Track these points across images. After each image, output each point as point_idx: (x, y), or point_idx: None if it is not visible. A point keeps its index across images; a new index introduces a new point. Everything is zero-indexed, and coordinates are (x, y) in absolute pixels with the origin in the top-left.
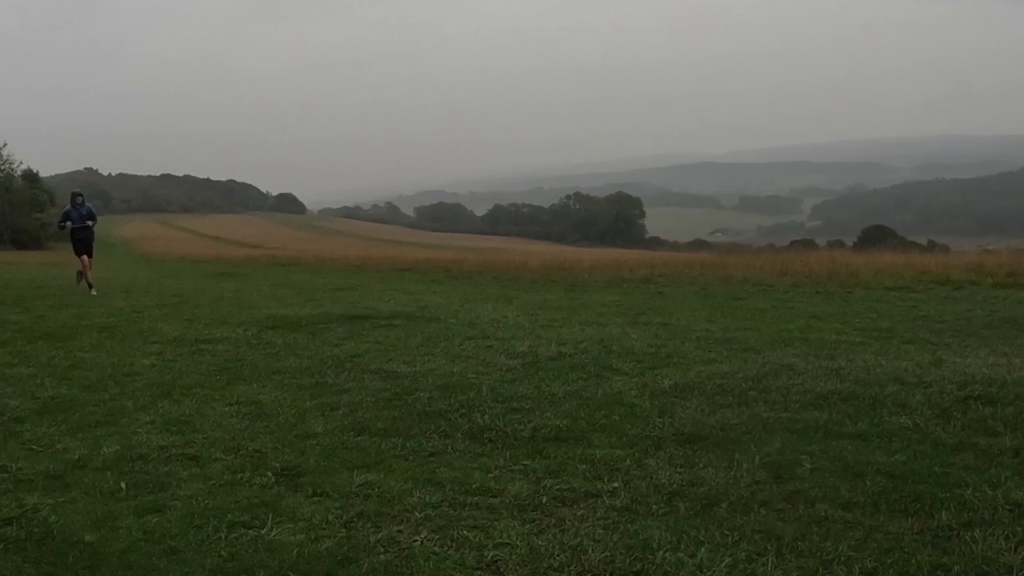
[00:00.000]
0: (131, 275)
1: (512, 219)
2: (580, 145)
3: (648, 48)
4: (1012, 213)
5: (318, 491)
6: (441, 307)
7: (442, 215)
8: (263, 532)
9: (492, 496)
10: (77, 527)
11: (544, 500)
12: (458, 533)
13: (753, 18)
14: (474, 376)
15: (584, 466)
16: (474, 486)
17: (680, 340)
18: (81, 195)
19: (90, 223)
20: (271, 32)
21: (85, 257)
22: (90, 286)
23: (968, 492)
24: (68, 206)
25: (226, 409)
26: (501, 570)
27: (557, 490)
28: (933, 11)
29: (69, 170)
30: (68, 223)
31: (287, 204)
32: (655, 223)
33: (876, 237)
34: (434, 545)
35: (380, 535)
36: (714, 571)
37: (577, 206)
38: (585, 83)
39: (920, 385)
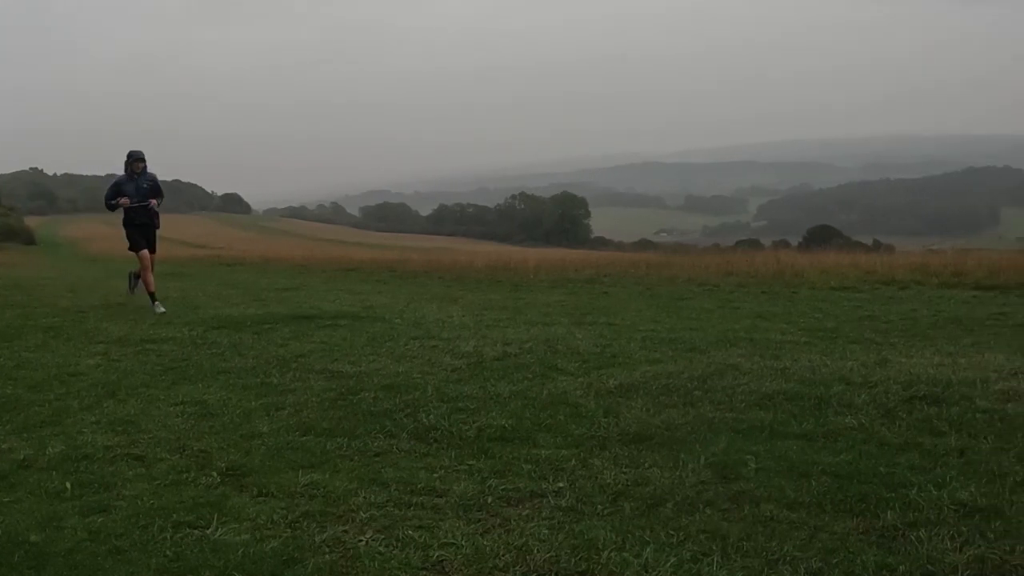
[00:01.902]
0: (77, 275)
1: (457, 219)
2: (525, 145)
3: (593, 48)
4: (957, 213)
5: (263, 491)
6: (386, 307)
7: (387, 215)
8: (208, 532)
9: (437, 496)
10: (22, 527)
11: (489, 500)
12: (403, 533)
13: (698, 18)
14: (419, 376)
15: (529, 466)
16: (419, 486)
17: (625, 340)
18: (142, 159)
19: (154, 202)
20: (217, 33)
21: (146, 253)
22: (153, 298)
23: (913, 492)
24: (121, 175)
25: (171, 409)
26: (446, 570)
27: (502, 490)
28: (878, 11)
29: (14, 170)
30: (124, 199)
31: (232, 204)
32: (600, 223)
33: (821, 237)
34: (379, 545)
35: (325, 535)
36: (659, 571)
37: (522, 206)
38: (530, 83)
39: (865, 385)
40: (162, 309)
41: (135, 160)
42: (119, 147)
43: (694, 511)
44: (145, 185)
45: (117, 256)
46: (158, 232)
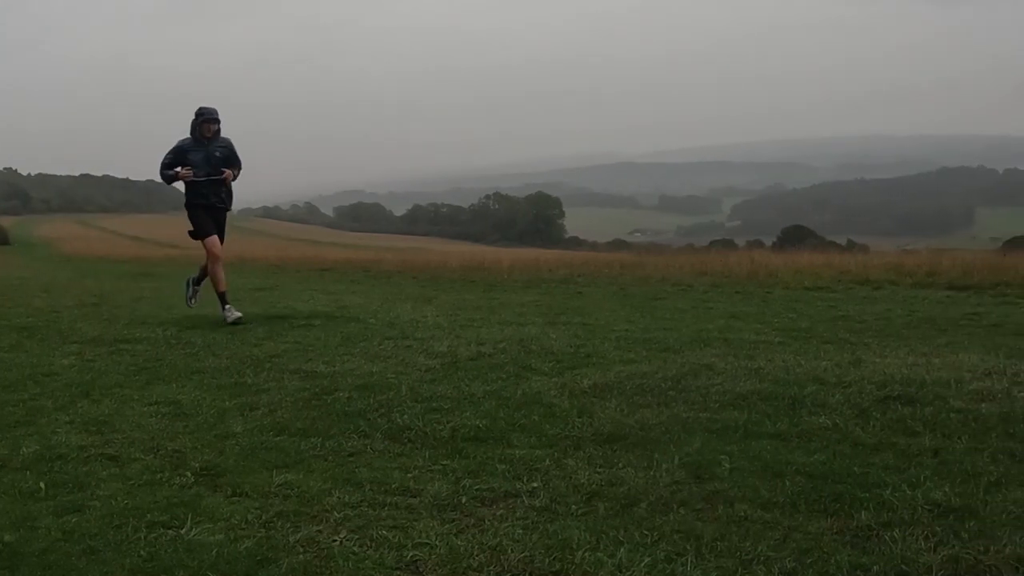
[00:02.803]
0: (51, 275)
1: (431, 219)
2: (499, 145)
3: (567, 48)
4: (931, 213)
5: (237, 491)
6: (360, 307)
7: (361, 215)
8: (182, 532)
9: (411, 496)
10: None
11: (463, 500)
12: (377, 533)
13: (673, 18)
14: (393, 376)
15: (503, 466)
16: (393, 486)
17: (599, 340)
18: (216, 119)
19: (229, 174)
20: (189, 32)
21: (217, 241)
22: (224, 300)
23: (887, 492)
24: (185, 140)
25: (145, 409)
26: (420, 570)
27: (476, 490)
28: (852, 11)
29: None
30: (185, 170)
31: None
32: (574, 223)
33: (795, 237)
34: (353, 545)
35: (299, 535)
36: (633, 571)
37: (496, 206)
38: (503, 83)
39: (839, 385)
40: (237, 314)
41: (206, 120)
42: (93, 148)
43: (668, 511)
44: (218, 153)
45: (90, 256)
46: (229, 216)
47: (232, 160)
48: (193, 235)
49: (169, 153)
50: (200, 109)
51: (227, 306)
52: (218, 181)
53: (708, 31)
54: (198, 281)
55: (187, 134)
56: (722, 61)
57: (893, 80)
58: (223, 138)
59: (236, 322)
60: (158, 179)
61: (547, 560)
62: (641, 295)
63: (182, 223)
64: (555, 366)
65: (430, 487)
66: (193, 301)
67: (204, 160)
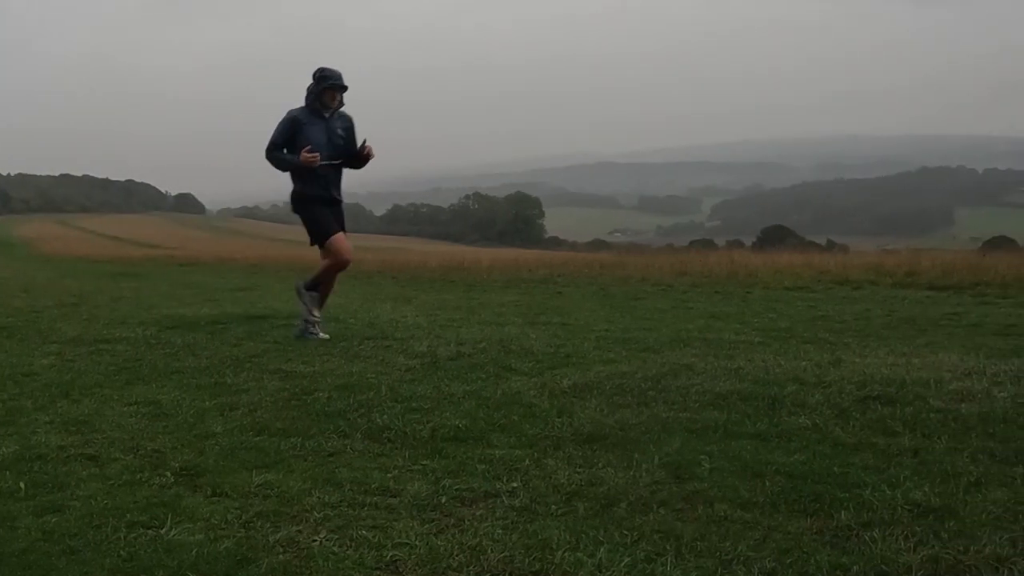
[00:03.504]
0: (30, 275)
1: (411, 219)
2: (479, 145)
3: (546, 47)
4: (911, 213)
5: (217, 491)
6: (340, 307)
7: None
8: (162, 532)
9: (391, 496)
10: None
11: (443, 500)
12: (357, 533)
13: (652, 16)
14: (373, 376)
15: (483, 466)
16: (373, 486)
17: (579, 340)
18: (342, 84)
19: (367, 148)
20: (171, 32)
21: (344, 239)
22: (312, 316)
23: (867, 492)
24: (299, 110)
25: (125, 409)
26: (400, 570)
27: (456, 490)
28: (832, 10)
29: None
30: (312, 156)
31: (186, 204)
32: (554, 223)
33: (775, 237)
34: (333, 545)
35: (279, 535)
36: (613, 571)
37: (476, 206)
38: (482, 83)
39: (819, 385)
40: (325, 336)
41: (331, 86)
42: (73, 147)
43: (648, 511)
44: (340, 131)
45: (70, 256)
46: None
47: (351, 145)
48: (315, 239)
49: (279, 128)
50: (322, 71)
51: (316, 323)
52: (339, 168)
53: (687, 30)
54: (312, 285)
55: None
56: (701, 60)
57: (873, 80)
58: (344, 113)
59: (306, 336)
60: (138, 179)
61: (527, 560)
62: (621, 295)
63: (163, 223)
64: (535, 366)
65: (410, 487)
66: (317, 317)
67: (325, 139)
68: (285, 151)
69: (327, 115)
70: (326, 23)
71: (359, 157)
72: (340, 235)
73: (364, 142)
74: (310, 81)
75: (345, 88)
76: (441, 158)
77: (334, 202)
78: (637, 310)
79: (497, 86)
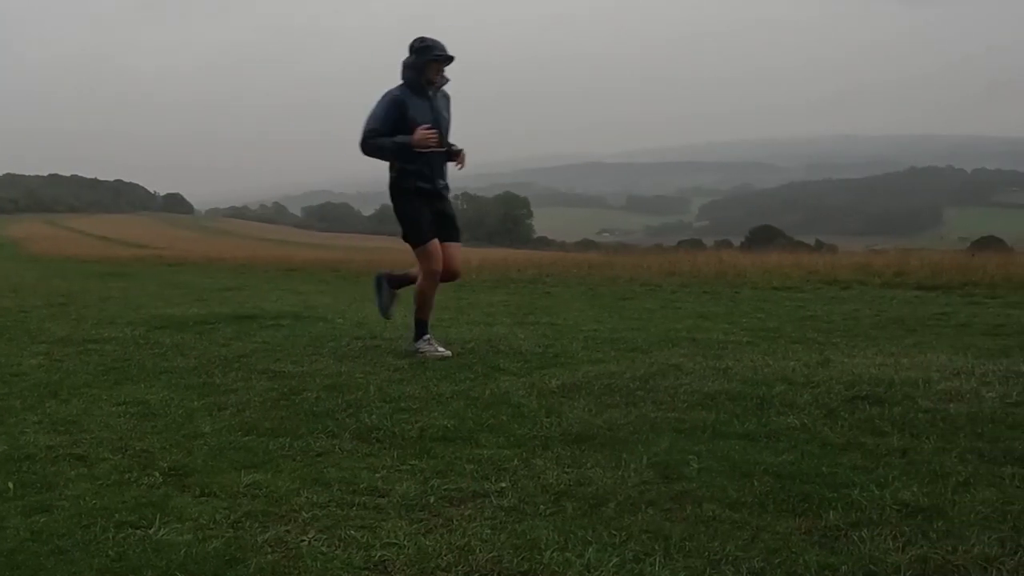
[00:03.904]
0: (19, 275)
1: None
2: (466, 145)
3: (535, 47)
4: (899, 213)
5: (206, 491)
6: (329, 307)
7: (329, 215)
8: (151, 532)
9: (380, 496)
10: None
11: (431, 500)
12: (345, 533)
13: (641, 17)
14: (362, 376)
15: (471, 466)
16: (361, 486)
17: (568, 340)
18: (446, 56)
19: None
20: (158, 32)
21: (438, 248)
22: (424, 329)
23: (856, 492)
24: (399, 89)
25: (114, 409)
26: (388, 570)
27: (444, 490)
28: (820, 11)
29: None
30: (429, 133)
31: (175, 204)
32: (543, 223)
33: (764, 237)
34: (321, 545)
35: (267, 535)
36: (602, 571)
37: (464, 206)
38: (469, 83)
39: (808, 385)
40: (443, 351)
41: (436, 57)
42: (62, 148)
43: (636, 511)
44: (445, 112)
45: (58, 256)
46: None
47: (445, 116)
48: (408, 236)
49: (380, 112)
50: (422, 40)
51: (427, 336)
52: (445, 155)
53: (676, 31)
54: (397, 283)
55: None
56: (690, 61)
57: (861, 80)
58: (444, 90)
59: (434, 356)
60: (127, 179)
61: (515, 560)
62: (609, 295)
63: (151, 223)
64: (523, 366)
65: (398, 487)
66: (391, 311)
67: (432, 120)
68: (404, 141)
69: (431, 92)
70: (315, 23)
71: (453, 154)
72: (435, 243)
73: (460, 152)
74: (407, 55)
75: (451, 59)
76: None
77: (440, 195)
78: (626, 310)
79: (486, 86)
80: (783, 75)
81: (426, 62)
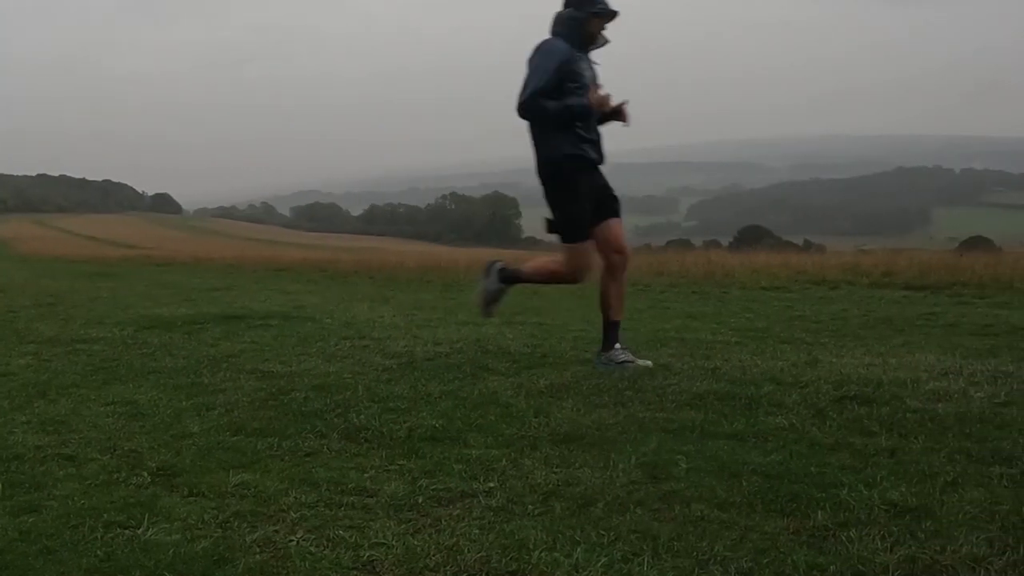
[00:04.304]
0: (7, 275)
1: (388, 219)
2: (456, 145)
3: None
4: (888, 213)
5: (194, 491)
6: (317, 307)
7: (318, 215)
8: (139, 532)
9: (368, 496)
10: None
11: (420, 500)
12: (334, 533)
13: (626, 16)
14: (350, 376)
15: (460, 466)
16: (350, 486)
17: (556, 340)
18: (610, 11)
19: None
20: (148, 33)
21: (592, 249)
22: (614, 336)
23: (844, 492)
24: (559, 43)
25: (102, 409)
26: (377, 570)
27: (433, 490)
28: (808, 12)
29: None
30: (602, 94)
31: (163, 204)
32: (531, 223)
33: (752, 237)
34: (310, 545)
35: (256, 535)
36: (590, 571)
37: (453, 206)
38: (459, 83)
39: (796, 385)
40: (641, 361)
41: (599, 12)
42: (50, 148)
43: (625, 511)
44: (595, 73)
45: (47, 256)
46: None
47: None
48: (561, 229)
49: (545, 67)
50: (587, 3)
51: (620, 351)
52: (601, 122)
53: (663, 31)
54: (511, 277)
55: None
56: (677, 62)
57: (849, 80)
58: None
59: (626, 366)
60: (115, 179)
61: (503, 560)
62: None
63: (140, 223)
64: (512, 366)
65: (387, 487)
66: (494, 308)
67: (591, 82)
68: (572, 103)
69: (589, 51)
70: (302, 25)
71: (613, 113)
72: (591, 244)
73: (622, 108)
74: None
75: (616, 14)
76: (418, 158)
77: (598, 173)
78: None
79: (474, 86)
80: (772, 76)
81: (588, 16)
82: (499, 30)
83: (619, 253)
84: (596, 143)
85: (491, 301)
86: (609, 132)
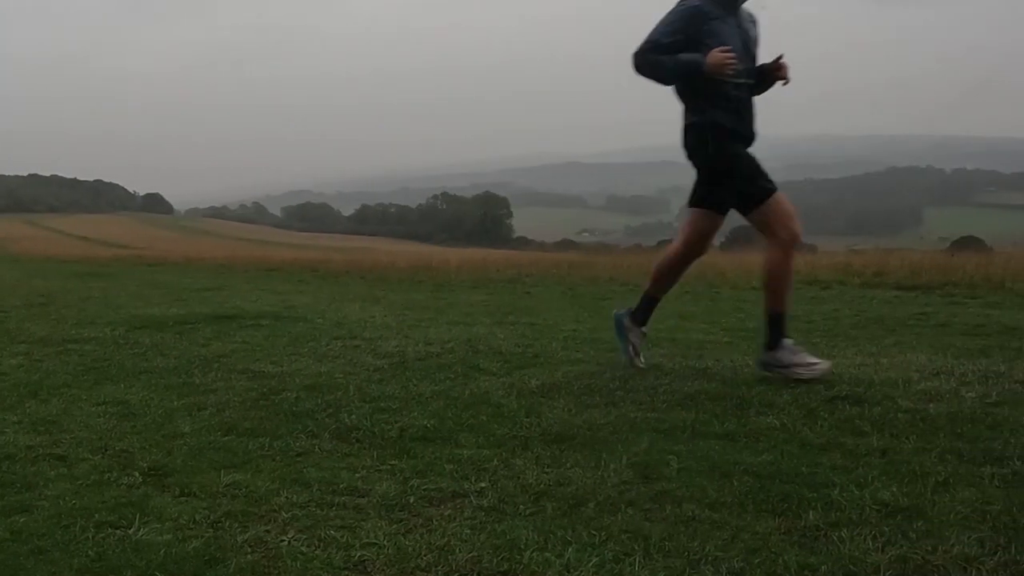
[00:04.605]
0: None
1: (379, 219)
2: (447, 145)
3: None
4: (879, 213)
5: (185, 491)
6: (308, 307)
7: (309, 215)
8: (130, 532)
9: (359, 496)
10: None
11: (411, 500)
12: (325, 533)
13: (617, 17)
14: (341, 376)
15: (451, 466)
16: (341, 486)
17: (547, 340)
18: None
19: (782, 67)
20: (140, 33)
21: (786, 200)
22: (779, 331)
23: (835, 492)
24: (695, 2)
25: (93, 409)
26: (368, 570)
27: (424, 490)
28: (800, 11)
29: None
30: (727, 56)
31: (154, 204)
32: (522, 223)
33: (743, 237)
34: (301, 545)
35: (247, 535)
36: (582, 571)
37: (444, 206)
38: (451, 84)
39: (787, 385)
40: (822, 362)
41: None
42: (41, 148)
43: (616, 511)
44: (753, 35)
45: (38, 256)
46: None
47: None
48: (742, 195)
49: (669, 21)
50: None
51: (788, 340)
52: (754, 88)
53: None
54: (644, 314)
55: None
56: None
57: (841, 80)
58: (747, 9)
59: (812, 373)
60: (107, 179)
61: (495, 560)
62: (589, 295)
63: (131, 223)
64: (503, 366)
65: (378, 487)
66: (639, 359)
67: (741, 45)
68: (698, 64)
69: (735, 11)
70: (293, 25)
71: (769, 74)
72: (782, 196)
73: (781, 63)
74: None
75: None
76: (409, 158)
77: (751, 143)
78: (605, 310)
79: (465, 87)
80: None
81: None
82: (493, 31)
83: (703, 250)
84: (740, 113)
85: (637, 352)
86: (597, 132)
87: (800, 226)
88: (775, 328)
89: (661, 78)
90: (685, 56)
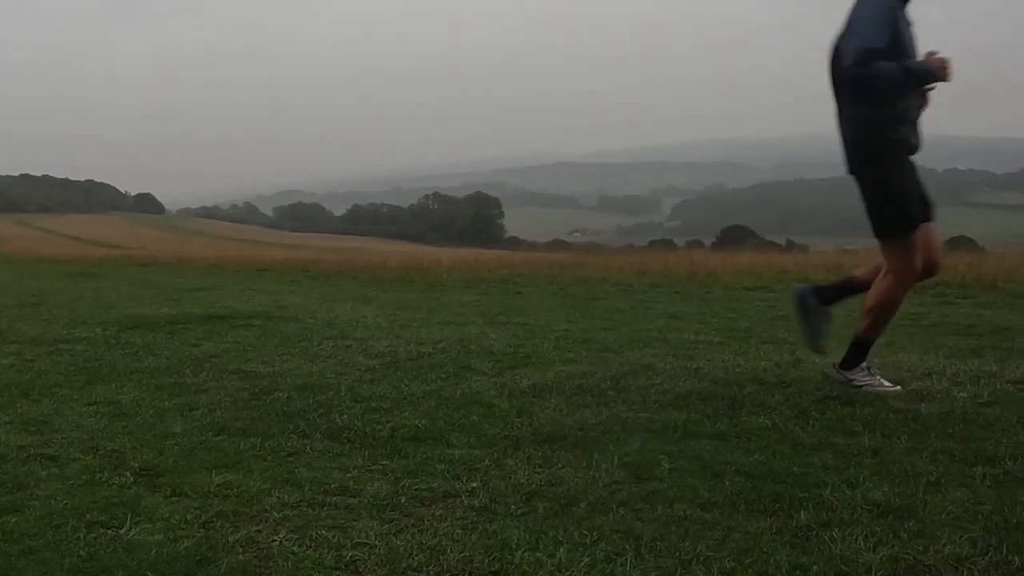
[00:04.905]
0: None
1: (371, 219)
2: (439, 145)
3: (506, 48)
4: None
5: (177, 491)
6: (300, 307)
7: (301, 215)
8: (122, 532)
9: (351, 496)
10: None
11: (403, 500)
12: (317, 533)
13: (611, 18)
14: (333, 376)
15: (443, 466)
16: (333, 486)
17: (539, 340)
18: None
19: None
20: (130, 33)
21: (933, 229)
22: (861, 354)
23: (827, 492)
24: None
25: (85, 409)
26: (360, 570)
27: (416, 490)
28: (791, 11)
29: None
30: (946, 63)
31: (146, 204)
32: (514, 223)
33: (735, 237)
34: (293, 545)
35: (239, 535)
36: (573, 571)
37: (436, 206)
38: (443, 84)
39: (779, 385)
40: (894, 387)
41: None
42: (32, 148)
43: (608, 511)
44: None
45: (30, 256)
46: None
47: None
48: (886, 219)
49: (877, 22)
50: None
51: (865, 365)
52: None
53: (646, 32)
54: (834, 295)
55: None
56: (661, 61)
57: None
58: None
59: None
60: (98, 179)
61: (486, 560)
62: (581, 295)
63: (122, 223)
64: (495, 366)
65: (369, 487)
66: (824, 340)
67: (916, 49)
68: (912, 72)
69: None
70: (286, 25)
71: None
72: (932, 226)
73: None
74: None
75: None
76: (401, 158)
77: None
78: (597, 310)
79: (458, 87)
80: (754, 75)
81: None
82: (486, 32)
83: (933, 269)
84: (915, 124)
85: (820, 333)
86: (590, 132)
87: (938, 257)
88: (858, 352)
89: (893, 89)
90: (913, 63)
